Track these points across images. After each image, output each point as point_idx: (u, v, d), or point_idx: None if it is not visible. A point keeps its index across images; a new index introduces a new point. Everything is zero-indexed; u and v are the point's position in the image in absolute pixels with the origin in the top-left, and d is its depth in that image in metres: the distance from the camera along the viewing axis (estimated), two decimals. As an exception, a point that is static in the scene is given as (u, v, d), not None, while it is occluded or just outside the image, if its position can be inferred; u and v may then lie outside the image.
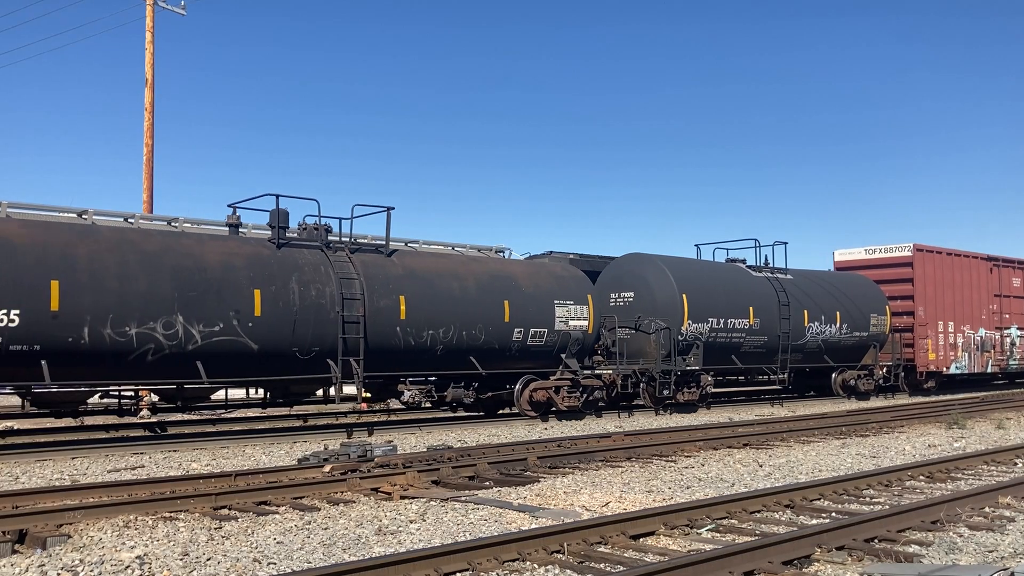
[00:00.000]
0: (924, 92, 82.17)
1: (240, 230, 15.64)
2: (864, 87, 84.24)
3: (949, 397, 25.42)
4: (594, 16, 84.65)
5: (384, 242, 16.62)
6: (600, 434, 14.56)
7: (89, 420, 17.28)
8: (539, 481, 9.90)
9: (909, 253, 26.83)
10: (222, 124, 79.94)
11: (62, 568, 6.02)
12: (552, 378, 18.21)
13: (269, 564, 6.19)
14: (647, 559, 6.24)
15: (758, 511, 7.92)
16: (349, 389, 20.20)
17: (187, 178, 69.88)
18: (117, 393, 15.28)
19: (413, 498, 8.81)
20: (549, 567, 5.99)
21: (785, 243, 23.62)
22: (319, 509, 8.30)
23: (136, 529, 7.37)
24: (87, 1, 60.17)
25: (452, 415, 18.91)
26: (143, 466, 11.61)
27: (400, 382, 16.42)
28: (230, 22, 77.85)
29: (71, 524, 7.38)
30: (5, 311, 11.95)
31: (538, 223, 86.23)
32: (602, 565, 6.05)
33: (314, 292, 14.83)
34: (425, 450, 12.57)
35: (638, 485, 9.70)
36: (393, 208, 16.35)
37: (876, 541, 6.68)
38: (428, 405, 17.85)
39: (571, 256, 21.35)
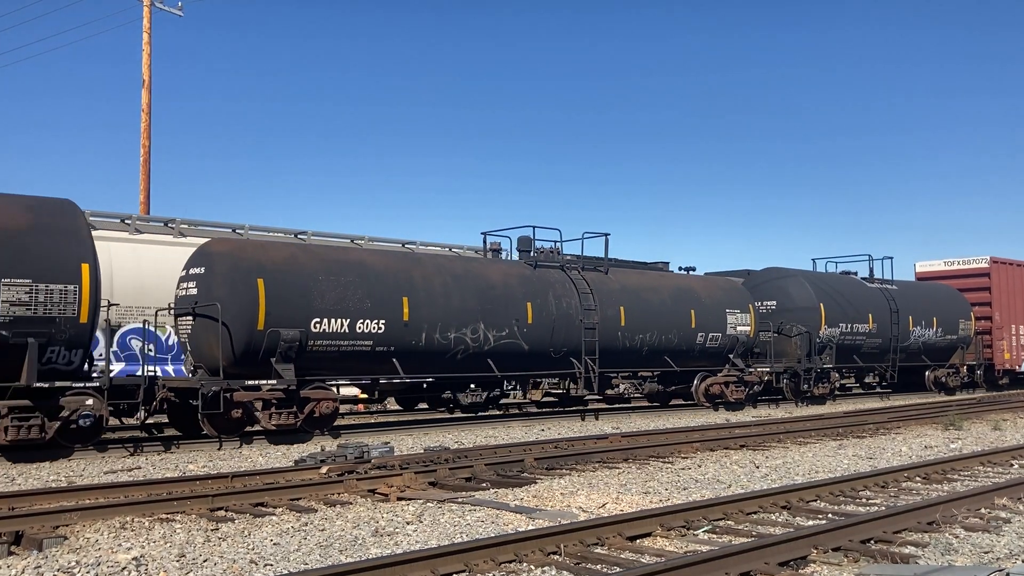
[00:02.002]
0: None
1: (500, 254, 19.96)
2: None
3: (962, 397, 26.22)
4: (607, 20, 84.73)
5: (603, 260, 20.30)
6: (597, 435, 14.57)
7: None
8: (536, 482, 9.90)
9: (986, 265, 30.00)
10: (220, 125, 79.91)
11: (58, 570, 6.01)
12: (720, 374, 21.61)
13: (266, 565, 6.18)
14: (644, 560, 6.24)
15: (755, 512, 7.93)
16: (346, 391, 20.18)
17: (185, 179, 69.80)
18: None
19: (410, 499, 8.81)
20: (546, 568, 5.99)
21: (891, 257, 27.88)
22: (316, 510, 8.30)
23: (132, 531, 7.36)
24: (84, 1, 60.11)
25: (451, 416, 18.92)
26: (139, 467, 11.60)
27: (614, 377, 19.70)
28: (228, 23, 77.83)
29: (67, 525, 7.38)
30: (376, 321, 15.48)
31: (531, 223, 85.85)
32: (599, 566, 6.05)
33: (564, 304, 18.50)
34: (422, 451, 12.56)
35: (635, 486, 9.70)
36: (609, 234, 20.18)
37: (872, 542, 6.69)
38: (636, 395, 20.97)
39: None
